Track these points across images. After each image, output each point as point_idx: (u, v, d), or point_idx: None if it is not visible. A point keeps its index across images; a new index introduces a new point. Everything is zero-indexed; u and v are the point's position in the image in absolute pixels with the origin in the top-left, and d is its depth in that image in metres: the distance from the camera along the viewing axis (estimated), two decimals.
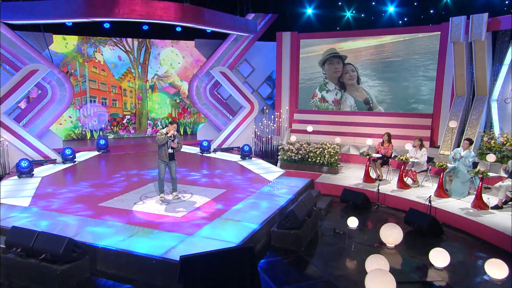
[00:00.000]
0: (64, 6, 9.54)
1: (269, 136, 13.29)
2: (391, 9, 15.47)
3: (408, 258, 6.02)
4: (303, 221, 6.46)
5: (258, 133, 13.60)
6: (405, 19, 15.62)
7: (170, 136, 7.53)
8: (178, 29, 14.36)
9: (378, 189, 8.58)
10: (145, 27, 14.10)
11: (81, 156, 12.15)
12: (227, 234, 6.04)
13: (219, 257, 4.39)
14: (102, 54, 14.44)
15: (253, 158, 12.07)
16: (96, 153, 12.81)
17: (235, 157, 12.31)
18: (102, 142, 13.11)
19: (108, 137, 14.90)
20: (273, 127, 13.83)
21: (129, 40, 14.90)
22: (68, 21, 10.34)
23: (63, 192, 8.33)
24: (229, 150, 13.42)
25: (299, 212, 6.44)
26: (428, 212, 7.36)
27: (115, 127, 15.09)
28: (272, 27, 14.54)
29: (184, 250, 5.37)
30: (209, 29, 11.78)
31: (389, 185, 9.26)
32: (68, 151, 11.56)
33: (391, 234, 6.37)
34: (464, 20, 9.64)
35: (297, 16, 15.44)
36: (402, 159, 8.87)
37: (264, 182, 9.36)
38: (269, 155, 13.09)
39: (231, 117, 14.48)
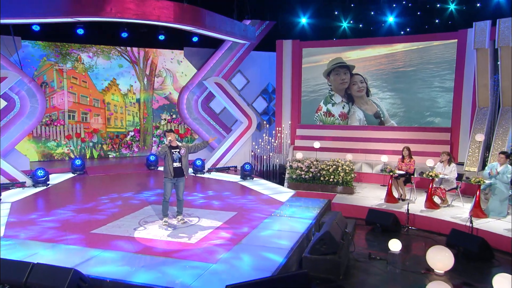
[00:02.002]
0: (45, 3, 9.03)
1: (270, 154, 12.95)
2: (390, 19, 15.75)
3: (466, 287, 5.70)
4: (340, 244, 6.08)
5: (258, 150, 13.25)
6: (408, 29, 15.96)
7: (175, 146, 7.16)
8: (161, 37, 14.05)
9: (408, 210, 8.31)
10: (124, 34, 13.70)
11: (54, 179, 11.44)
12: (254, 261, 5.66)
13: (269, 286, 3.93)
14: (83, 64, 13.89)
15: (254, 178, 11.67)
16: (71, 175, 12.13)
17: (234, 177, 11.92)
18: (78, 162, 12.46)
19: (109, 156, 14.52)
20: (275, 144, 13.51)
21: (135, 49, 14.76)
22: (49, 21, 9.81)
23: (42, 218, 7.66)
24: (225, 169, 12.99)
25: (335, 234, 6.06)
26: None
27: (104, 146, 14.57)
28: (267, 36, 14.44)
29: (208, 281, 4.97)
30: (208, 33, 11.47)
31: (414, 205, 9.02)
32: (40, 172, 10.82)
33: (441, 259, 6.04)
34: (489, 25, 9.77)
35: (292, 26, 15.45)
36: (431, 176, 8.67)
37: (276, 203, 9.01)
38: (271, 175, 12.74)
39: (225, 134, 14.09)
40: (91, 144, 14.36)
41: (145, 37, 14.21)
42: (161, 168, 13.12)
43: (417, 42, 12.55)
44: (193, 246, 6.20)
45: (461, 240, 6.79)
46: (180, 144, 7.38)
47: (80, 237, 6.57)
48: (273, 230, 7.11)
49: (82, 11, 8.83)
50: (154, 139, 15.33)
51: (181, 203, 7.47)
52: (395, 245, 6.53)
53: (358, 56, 13.32)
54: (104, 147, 14.60)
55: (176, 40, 14.58)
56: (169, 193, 7.28)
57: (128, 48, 14.67)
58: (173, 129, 15.16)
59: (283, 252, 6.02)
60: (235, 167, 13.09)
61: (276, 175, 12.71)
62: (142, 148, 15.22)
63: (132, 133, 14.98)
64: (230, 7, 13.84)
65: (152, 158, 13.22)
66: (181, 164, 7.27)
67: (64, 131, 13.93)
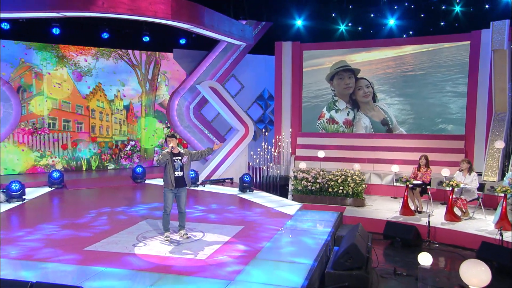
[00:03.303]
0: None
1: (271, 164, 12.82)
2: (391, 22, 15.95)
3: None
4: (366, 258, 5.96)
5: (257, 160, 13.10)
6: (411, 32, 16.19)
7: (177, 153, 7.02)
8: (146, 38, 13.92)
9: (429, 222, 8.24)
10: (105, 35, 13.52)
11: (29, 193, 11.05)
12: (275, 279, 5.53)
13: None
14: (65, 66, 13.61)
15: (254, 191, 11.50)
16: (47, 189, 11.76)
17: (231, 190, 11.75)
18: (56, 175, 12.08)
19: (108, 167, 14.43)
20: (275, 153, 13.39)
21: (136, 52, 14.73)
22: (30, 16, 9.55)
23: (25, 236, 7.32)
24: (220, 182, 12.79)
25: (360, 247, 5.93)
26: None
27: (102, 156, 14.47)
28: (262, 38, 14.42)
29: None
30: (205, 33, 11.36)
31: (433, 218, 8.94)
32: (15, 186, 10.42)
33: (476, 274, 5.89)
34: (507, 25, 9.92)
35: (286, 29, 15.49)
36: (451, 185, 8.65)
37: (284, 217, 8.87)
38: (271, 187, 12.59)
39: (218, 143, 13.90)
40: (87, 154, 14.14)
41: (128, 38, 14.15)
42: (148, 181, 12.90)
43: (427, 44, 12.67)
44: (203, 262, 6.01)
45: (493, 253, 6.72)
46: (182, 151, 7.20)
47: (73, 255, 6.29)
48: (288, 244, 7.02)
49: (69, 5, 8.62)
50: (156, 148, 15.16)
51: (183, 216, 7.25)
52: (425, 259, 6.40)
53: (363, 59, 13.38)
54: (103, 157, 14.46)
55: (162, 42, 14.53)
56: (170, 205, 7.07)
57: (130, 51, 14.63)
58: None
59: (303, 269, 5.87)
60: (231, 179, 12.91)
61: (276, 187, 12.57)
62: (143, 158, 15.10)
63: (133, 143, 14.85)
64: (223, 6, 13.81)
65: (138, 170, 12.93)
66: (183, 173, 7.10)
67: (55, 140, 13.69)
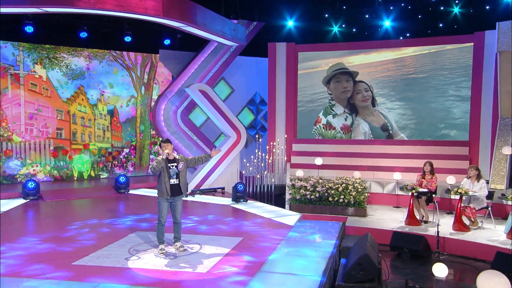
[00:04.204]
0: None
1: (265, 173, 12.76)
2: (387, 23, 16.14)
3: None
4: (378, 270, 5.93)
5: (250, 168, 13.04)
6: (408, 34, 16.40)
7: (172, 160, 6.93)
8: (128, 38, 13.83)
9: (438, 232, 8.28)
10: (84, 34, 13.37)
11: (2, 205, 10.73)
12: None
13: None
14: (44, 68, 13.40)
15: (249, 201, 11.42)
16: (22, 200, 11.45)
17: (224, 200, 11.64)
18: (31, 185, 11.77)
19: (101, 176, 14.40)
20: (269, 161, 13.34)
21: (132, 54, 14.77)
22: (9, 11, 9.33)
23: (6, 252, 7.03)
24: (211, 191, 12.67)
25: (373, 258, 5.90)
26: None
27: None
28: (253, 39, 14.41)
29: None
30: (196, 32, 11.28)
31: (440, 228, 8.98)
32: None
33: (495, 286, 5.92)
34: None
35: (277, 29, 15.54)
36: (460, 193, 8.70)
37: (283, 227, 8.82)
38: (265, 197, 12.54)
39: (208, 150, 13.79)
40: (79, 162, 14.04)
41: (108, 38, 14.10)
42: (133, 191, 12.72)
43: (428, 45, 12.85)
44: (205, 276, 5.91)
45: (510, 264, 6.74)
46: (177, 157, 7.09)
47: (61, 271, 6.10)
48: (292, 257, 6.93)
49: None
50: (151, 156, 15.14)
51: (179, 226, 7.15)
52: (440, 270, 6.41)
53: (362, 61, 13.49)
54: (95, 166, 14.40)
55: (145, 42, 14.49)
56: (165, 215, 6.95)
57: (124, 53, 14.62)
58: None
59: (312, 282, 5.82)
60: (223, 188, 12.80)
61: (271, 197, 12.50)
62: (138, 167, 15.12)
63: (127, 150, 14.81)
64: (213, 5, 13.77)
65: (122, 179, 12.72)
66: (179, 181, 7.00)
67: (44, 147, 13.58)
